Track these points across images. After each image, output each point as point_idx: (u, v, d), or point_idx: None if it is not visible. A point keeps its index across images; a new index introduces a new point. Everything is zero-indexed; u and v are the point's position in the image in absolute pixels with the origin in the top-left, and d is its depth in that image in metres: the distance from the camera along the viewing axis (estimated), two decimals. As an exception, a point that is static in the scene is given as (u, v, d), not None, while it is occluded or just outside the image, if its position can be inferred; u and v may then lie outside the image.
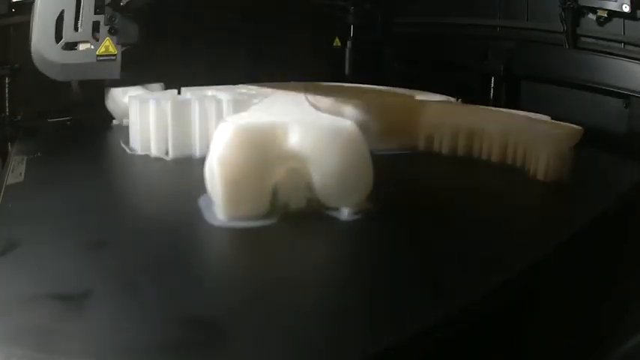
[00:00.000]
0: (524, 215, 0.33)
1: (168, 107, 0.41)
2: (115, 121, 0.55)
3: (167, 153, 0.41)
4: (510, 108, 0.48)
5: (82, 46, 0.52)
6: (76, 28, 0.51)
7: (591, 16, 0.57)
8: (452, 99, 0.50)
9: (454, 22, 0.73)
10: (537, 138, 0.39)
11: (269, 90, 0.48)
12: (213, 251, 0.27)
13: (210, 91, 0.47)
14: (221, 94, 0.45)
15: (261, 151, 0.28)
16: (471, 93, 0.48)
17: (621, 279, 0.36)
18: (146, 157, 0.42)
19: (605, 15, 0.56)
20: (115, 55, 0.53)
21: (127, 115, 0.49)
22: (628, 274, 0.36)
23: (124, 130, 0.47)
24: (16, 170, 0.39)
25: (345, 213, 0.29)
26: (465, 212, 0.33)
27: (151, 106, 0.41)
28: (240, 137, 0.27)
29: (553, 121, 0.40)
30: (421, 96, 0.51)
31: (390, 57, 0.79)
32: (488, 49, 0.69)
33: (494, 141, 0.43)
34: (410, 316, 0.21)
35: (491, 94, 0.67)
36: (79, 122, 0.57)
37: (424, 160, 0.45)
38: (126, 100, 0.51)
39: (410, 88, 0.54)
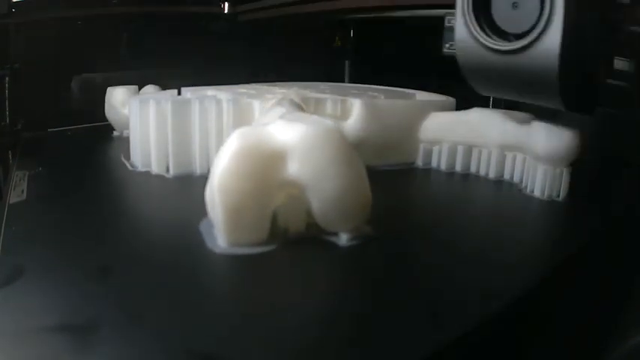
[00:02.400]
0: (525, 236, 0.34)
1: (168, 107, 0.41)
2: (115, 132, 0.55)
3: (168, 170, 0.42)
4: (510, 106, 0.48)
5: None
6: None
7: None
8: (452, 99, 0.50)
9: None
10: (535, 155, 0.39)
11: (271, 89, 0.49)
12: (216, 280, 0.27)
13: (210, 91, 0.47)
14: (221, 94, 0.45)
15: (262, 178, 0.28)
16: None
17: (622, 287, 0.36)
18: (147, 175, 0.42)
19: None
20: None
21: (127, 127, 0.49)
22: (628, 279, 0.36)
23: (125, 142, 0.47)
24: (18, 188, 0.40)
25: (343, 238, 0.29)
26: (465, 233, 0.33)
27: (151, 106, 0.41)
28: (239, 165, 0.27)
29: (552, 127, 0.39)
30: (421, 96, 0.51)
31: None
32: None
33: (492, 156, 0.43)
34: (410, 347, 0.21)
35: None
36: (79, 132, 0.58)
37: (422, 177, 0.45)
38: (126, 111, 0.51)
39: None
